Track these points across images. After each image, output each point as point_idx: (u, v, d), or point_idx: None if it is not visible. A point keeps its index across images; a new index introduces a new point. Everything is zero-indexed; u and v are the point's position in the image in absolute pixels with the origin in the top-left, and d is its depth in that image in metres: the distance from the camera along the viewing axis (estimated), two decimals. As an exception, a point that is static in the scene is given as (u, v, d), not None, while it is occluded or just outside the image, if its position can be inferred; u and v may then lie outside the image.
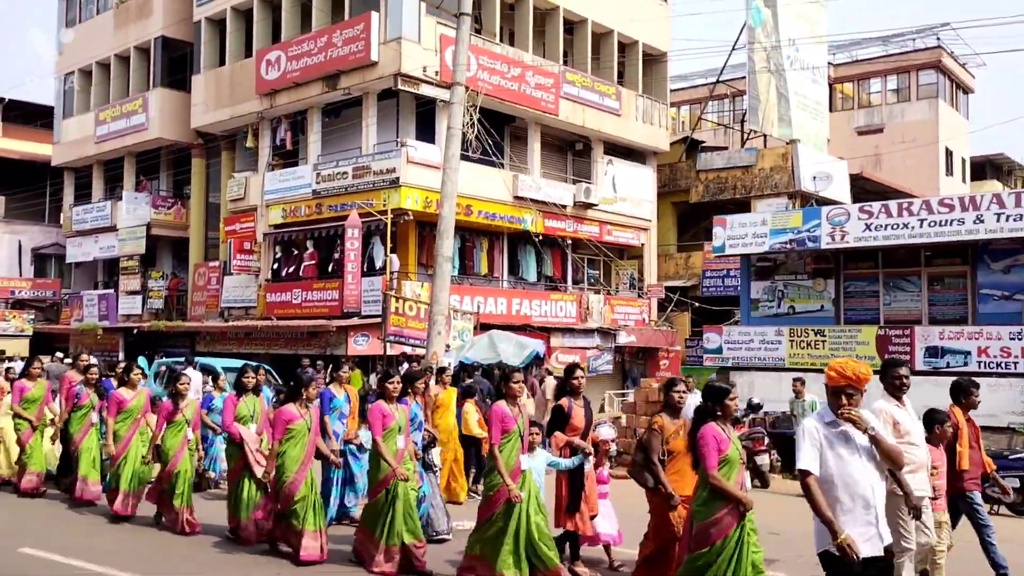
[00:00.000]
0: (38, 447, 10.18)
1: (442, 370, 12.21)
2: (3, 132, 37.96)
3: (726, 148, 30.08)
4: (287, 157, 22.92)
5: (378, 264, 19.99)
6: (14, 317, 26.73)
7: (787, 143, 26.30)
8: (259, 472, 7.87)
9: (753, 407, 14.37)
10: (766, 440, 12.99)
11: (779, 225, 18.08)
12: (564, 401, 7.08)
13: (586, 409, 7.17)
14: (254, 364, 10.23)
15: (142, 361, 20.01)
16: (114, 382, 10.22)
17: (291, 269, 22.03)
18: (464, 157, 17.07)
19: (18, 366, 19.18)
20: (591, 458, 7.13)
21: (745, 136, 27.92)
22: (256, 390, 9.00)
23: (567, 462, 6.85)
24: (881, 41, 36.87)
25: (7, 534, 8.23)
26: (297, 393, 7.65)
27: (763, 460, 12.89)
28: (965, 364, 15.67)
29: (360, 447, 9.08)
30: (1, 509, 9.66)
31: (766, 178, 25.88)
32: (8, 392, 11.19)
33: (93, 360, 12.82)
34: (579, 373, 7.15)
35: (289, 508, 7.34)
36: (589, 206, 23.49)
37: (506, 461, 6.42)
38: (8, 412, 10.69)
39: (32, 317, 27.53)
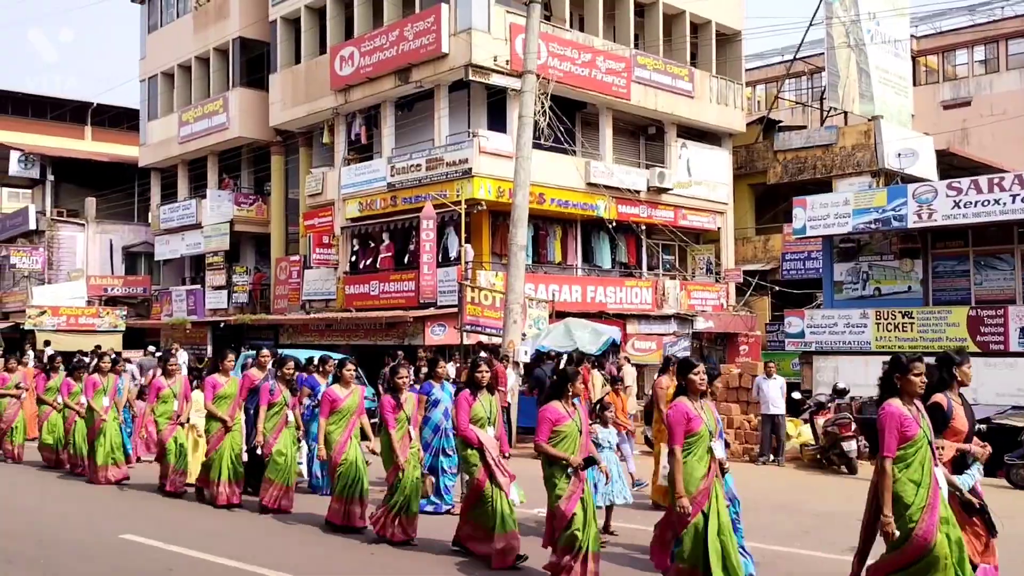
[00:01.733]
0: (227, 452, 9.34)
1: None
2: (92, 136, 39.71)
3: (805, 127, 29.27)
4: (362, 151, 23.28)
5: (452, 254, 20.16)
6: (108, 313, 27.86)
7: (869, 120, 25.45)
8: (502, 481, 6.99)
9: (839, 392, 14.00)
10: (853, 426, 12.64)
11: (863, 205, 17.53)
12: (942, 399, 5.76)
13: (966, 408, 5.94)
14: (338, 356, 10.41)
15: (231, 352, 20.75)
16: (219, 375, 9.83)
17: (368, 261, 22.41)
18: (536, 145, 17.09)
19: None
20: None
21: (825, 114, 27.13)
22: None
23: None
24: (967, 11, 35.29)
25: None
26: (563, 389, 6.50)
27: (850, 446, 12.57)
28: (1064, 345, 14.95)
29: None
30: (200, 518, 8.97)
31: (847, 156, 25.10)
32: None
33: (183, 354, 13.42)
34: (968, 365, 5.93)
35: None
36: (663, 191, 23.20)
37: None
38: (200, 410, 10.21)
39: (124, 313, 28.63)
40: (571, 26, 21.83)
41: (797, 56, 28.14)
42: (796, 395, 15.81)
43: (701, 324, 23.23)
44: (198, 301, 26.89)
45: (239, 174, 28.31)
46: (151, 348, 22.67)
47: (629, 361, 15.75)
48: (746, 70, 28.00)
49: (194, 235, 27.73)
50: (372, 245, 22.49)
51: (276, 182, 26.46)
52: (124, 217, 32.63)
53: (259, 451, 9.08)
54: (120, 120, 39.00)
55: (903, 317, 17.26)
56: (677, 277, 24.26)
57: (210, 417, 9.52)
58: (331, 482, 8.42)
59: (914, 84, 31.89)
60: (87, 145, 38.12)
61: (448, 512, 8.86)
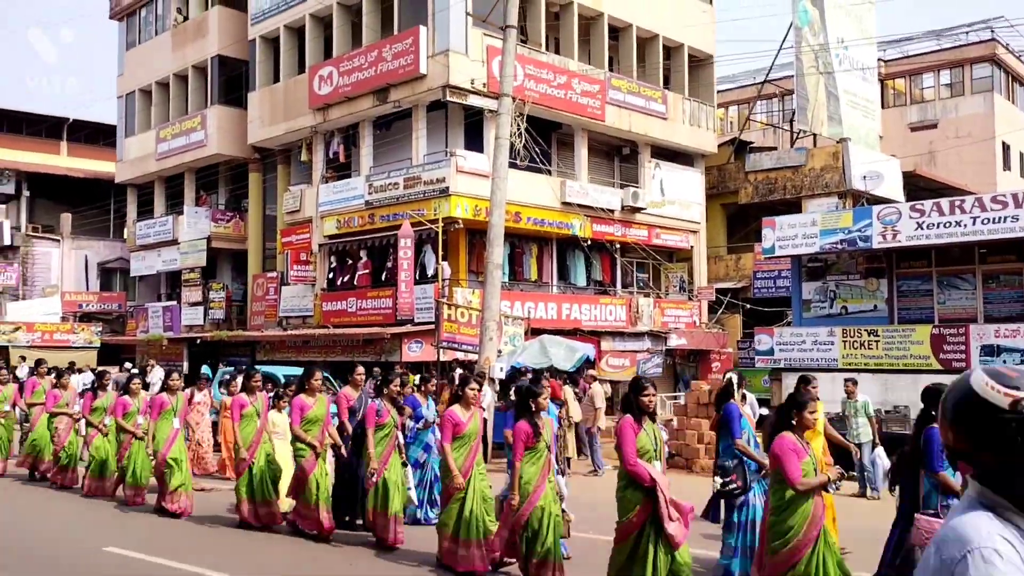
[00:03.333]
0: (323, 479, 8.66)
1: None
2: (68, 151, 39.55)
3: (775, 148, 29.90)
4: (340, 169, 23.51)
5: (430, 272, 20.40)
6: (83, 330, 27.77)
7: (837, 142, 26.09)
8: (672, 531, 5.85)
9: (760, 403, 14.36)
10: (818, 441, 12.97)
11: (829, 225, 17.98)
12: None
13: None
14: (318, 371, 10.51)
15: (206, 369, 20.82)
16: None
17: (346, 278, 22.60)
18: (512, 165, 17.39)
19: (84, 378, 20.07)
20: None
21: (794, 136, 27.75)
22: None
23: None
24: (934, 36, 36.26)
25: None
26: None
27: (816, 461, 12.89)
28: (1022, 362, 15.45)
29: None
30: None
31: (816, 178, 25.69)
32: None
33: (159, 370, 13.36)
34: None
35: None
36: (637, 210, 23.62)
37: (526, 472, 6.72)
38: (277, 432, 9.57)
39: (100, 329, 28.54)
40: (547, 48, 22.27)
41: (768, 79, 28.77)
42: (765, 411, 16.15)
43: (674, 341, 23.62)
44: (174, 317, 26.89)
45: (216, 191, 28.41)
46: (127, 364, 22.64)
47: (597, 379, 15.87)
48: (718, 92, 28.59)
49: (170, 251, 27.76)
50: (350, 262, 22.69)
51: (254, 199, 26.60)
52: (100, 233, 32.56)
53: (373, 479, 8.23)
54: (96, 136, 38.91)
55: (869, 335, 17.71)
56: (651, 295, 24.66)
57: (297, 442, 8.64)
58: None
59: (882, 106, 32.69)
60: (63, 161, 37.96)
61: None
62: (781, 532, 5.46)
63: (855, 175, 25.16)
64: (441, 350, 16.75)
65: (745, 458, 7.19)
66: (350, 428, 9.23)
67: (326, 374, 18.85)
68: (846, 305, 19.01)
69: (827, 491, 5.82)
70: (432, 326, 19.02)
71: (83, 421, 12.33)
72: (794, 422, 5.64)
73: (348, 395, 9.49)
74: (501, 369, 15.43)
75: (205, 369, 20.89)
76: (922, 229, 16.66)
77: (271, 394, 10.92)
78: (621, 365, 22.00)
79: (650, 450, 5.87)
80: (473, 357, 16.74)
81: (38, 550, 8.24)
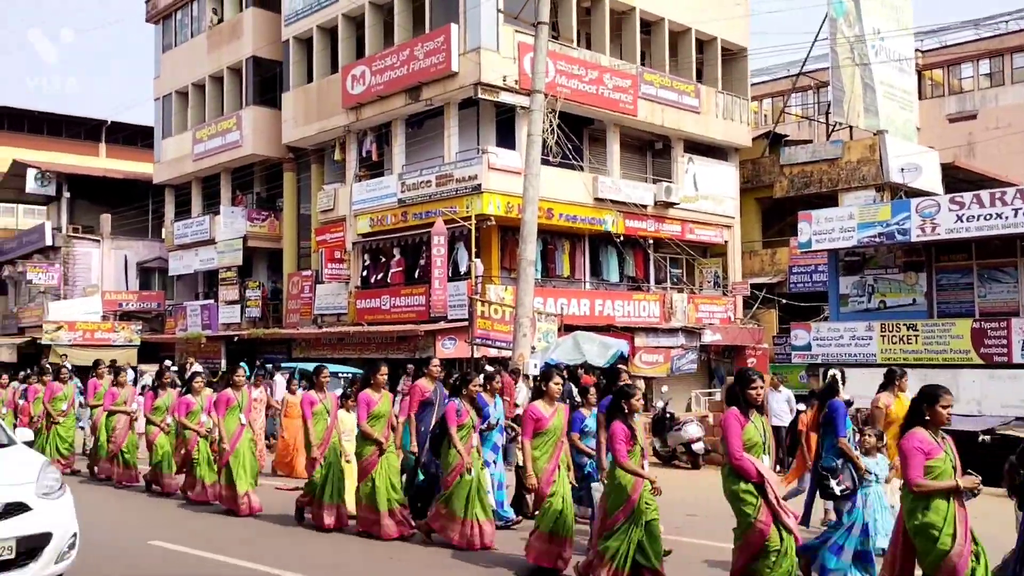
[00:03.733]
0: (384, 479, 8.41)
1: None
2: (107, 153, 40.34)
3: (810, 141, 29.55)
4: (373, 168, 23.66)
5: (462, 269, 20.47)
6: (123, 328, 28.28)
7: (874, 134, 25.72)
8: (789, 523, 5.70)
9: (845, 403, 14.16)
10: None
11: (867, 219, 17.77)
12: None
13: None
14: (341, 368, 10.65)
15: (243, 367, 21.07)
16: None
17: (379, 276, 22.75)
18: (544, 161, 17.41)
19: (127, 376, 20.42)
20: None
21: (830, 128, 27.41)
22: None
23: None
24: (972, 25, 35.58)
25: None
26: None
27: (855, 457, 12.75)
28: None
29: None
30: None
31: (853, 171, 25.35)
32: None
33: (198, 367, 13.55)
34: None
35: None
36: (670, 205, 23.49)
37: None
38: (345, 431, 9.41)
39: (139, 328, 29.04)
40: (578, 44, 22.19)
41: (802, 71, 28.43)
42: (802, 407, 16.00)
43: (709, 337, 23.45)
44: (212, 316, 27.25)
45: (252, 191, 28.73)
46: (167, 362, 22.99)
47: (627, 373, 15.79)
48: (751, 84, 28.30)
49: (207, 251, 28.14)
50: (383, 260, 22.83)
51: (288, 198, 26.86)
52: (138, 233, 33.10)
53: (468, 475, 7.90)
54: (134, 138, 39.64)
55: (908, 330, 17.47)
56: (684, 290, 24.51)
57: (363, 438, 8.49)
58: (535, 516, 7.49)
59: (919, 98, 32.14)
60: (101, 162, 38.74)
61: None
62: (926, 536, 5.13)
63: (893, 168, 24.79)
64: (475, 347, 16.79)
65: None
66: (415, 423, 9.00)
67: (359, 371, 19.05)
68: (884, 299, 18.77)
69: (960, 498, 5.23)
70: (465, 323, 19.07)
71: (142, 420, 12.48)
72: (927, 417, 5.32)
73: (424, 388, 9.19)
74: (535, 365, 15.45)
75: (243, 366, 21.17)
76: (962, 222, 16.40)
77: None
78: (655, 361, 21.90)
79: (758, 443, 5.64)
80: (507, 353, 16.79)
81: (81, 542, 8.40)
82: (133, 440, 12.44)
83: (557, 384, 7.25)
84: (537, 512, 7.42)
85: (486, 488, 8.21)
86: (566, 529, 6.98)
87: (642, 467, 6.50)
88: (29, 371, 17.76)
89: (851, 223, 18.05)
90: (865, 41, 26.37)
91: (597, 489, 7.33)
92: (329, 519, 8.75)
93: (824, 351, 18.55)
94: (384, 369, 8.68)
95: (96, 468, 12.96)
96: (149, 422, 11.73)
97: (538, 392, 7.42)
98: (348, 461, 9.00)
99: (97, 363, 14.40)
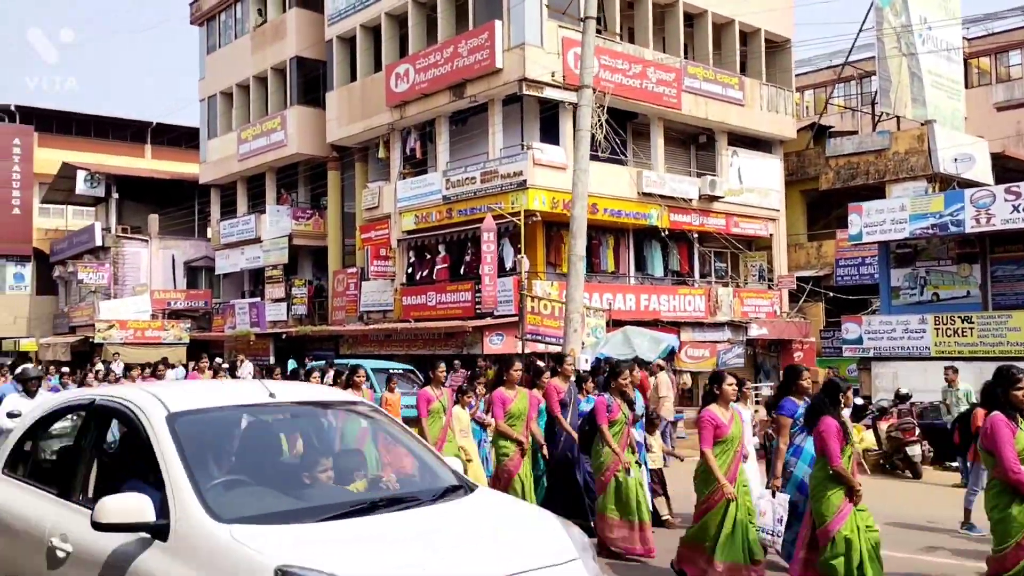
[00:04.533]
0: (528, 480, 8.07)
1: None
2: (152, 154, 41.03)
3: (855, 132, 29.17)
4: (417, 165, 23.81)
5: (508, 265, 20.53)
6: (173, 327, 28.78)
7: (922, 124, 25.32)
8: None
9: (901, 397, 14.04)
10: (917, 431, 12.71)
11: (919, 210, 17.53)
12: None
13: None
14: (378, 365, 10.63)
15: (291, 364, 21.38)
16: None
17: (424, 273, 22.91)
18: (592, 156, 17.37)
19: (177, 373, 20.79)
20: None
21: (876, 119, 27.02)
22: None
23: None
24: (1020, 12, 34.79)
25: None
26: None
27: (914, 450, 12.64)
28: None
29: None
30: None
31: (901, 161, 24.98)
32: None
33: (249, 365, 13.56)
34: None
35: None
36: (715, 199, 23.35)
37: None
38: (463, 429, 9.00)
39: (188, 326, 29.52)
40: (621, 38, 22.13)
41: (847, 62, 28.05)
42: (858, 401, 15.86)
43: (755, 331, 23.30)
44: (260, 313, 27.62)
45: (296, 189, 29.05)
46: (217, 360, 23.37)
47: (663, 368, 15.56)
48: (795, 75, 27.99)
49: (253, 249, 28.52)
50: (428, 257, 22.98)
51: (332, 197, 27.12)
52: (185, 233, 33.66)
53: (604, 476, 7.43)
54: (178, 139, 40.26)
55: (962, 322, 17.22)
56: (730, 284, 24.35)
57: (501, 439, 8.07)
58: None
59: (966, 86, 31.52)
60: (147, 164, 39.41)
61: None
62: (1001, 529, 4.92)
63: (942, 158, 24.39)
64: (524, 342, 16.85)
65: None
66: (566, 423, 8.43)
67: (411, 368, 19.22)
68: (937, 292, 18.50)
69: None
70: (512, 318, 19.15)
71: None
72: (1006, 400, 5.11)
73: (558, 387, 8.69)
74: (586, 360, 15.47)
75: (291, 364, 21.48)
76: (1018, 212, 16.12)
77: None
78: (701, 356, 21.79)
79: None
80: (556, 349, 16.83)
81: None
82: None
83: (731, 386, 6.54)
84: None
85: (644, 487, 7.68)
86: (739, 553, 6.18)
87: (738, 458, 6.31)
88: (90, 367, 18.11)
89: (903, 215, 17.82)
90: (912, 30, 25.95)
91: (780, 501, 6.57)
92: None
93: (876, 344, 18.35)
94: (518, 365, 8.20)
95: None
96: None
97: (710, 396, 6.70)
98: (469, 460, 8.56)
99: (200, 356, 14.22)
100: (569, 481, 8.33)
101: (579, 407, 8.77)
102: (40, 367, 21.40)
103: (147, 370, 16.39)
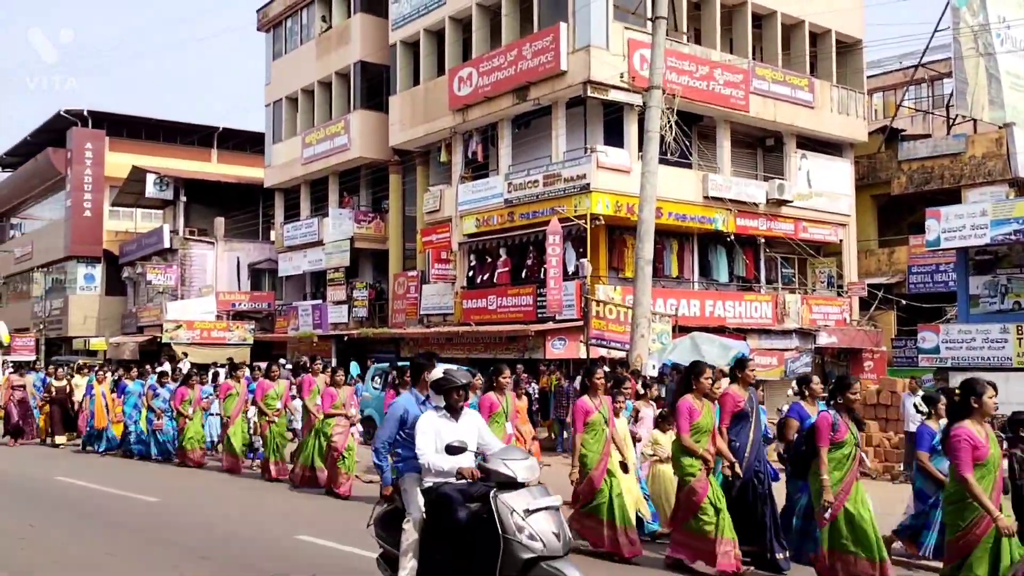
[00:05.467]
0: (722, 501, 7.17)
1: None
2: (218, 158, 41.87)
3: (928, 136, 28.29)
4: (478, 169, 23.78)
5: (570, 269, 20.33)
6: (238, 328, 29.24)
7: (1000, 127, 24.41)
8: None
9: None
10: (1004, 444, 12.13)
11: (1001, 215, 16.85)
12: None
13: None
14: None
15: (354, 366, 21.49)
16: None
17: (485, 276, 22.83)
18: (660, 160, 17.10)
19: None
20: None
21: (951, 122, 26.15)
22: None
23: None
24: (1105, 8, 33.35)
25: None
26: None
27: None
28: None
29: None
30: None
31: (978, 166, 24.12)
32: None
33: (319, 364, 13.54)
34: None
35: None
36: (783, 203, 22.82)
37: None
38: (660, 448, 8.66)
39: (252, 327, 29.96)
40: (688, 39, 21.79)
41: (921, 63, 27.23)
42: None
43: (824, 339, 22.68)
44: (323, 315, 27.88)
45: (358, 193, 29.27)
46: (281, 360, 23.62)
47: (725, 375, 15.16)
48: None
49: (316, 252, 28.81)
50: (489, 260, 22.91)
51: (394, 200, 27.26)
52: (249, 235, 34.23)
53: (827, 515, 6.41)
54: (243, 144, 41.00)
55: (1048, 332, 16.48)
56: (797, 291, 23.77)
57: (686, 457, 7.19)
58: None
59: (1046, 88, 30.28)
60: (212, 168, 40.23)
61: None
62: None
63: (1022, 162, 23.45)
64: (589, 347, 16.65)
65: None
66: (726, 437, 7.45)
67: (473, 371, 19.12)
68: (1019, 300, 17.77)
69: None
70: (575, 323, 18.96)
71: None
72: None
73: (735, 395, 7.59)
74: (653, 367, 15.22)
75: (354, 366, 21.60)
76: (1107, 218, 15.37)
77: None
78: (768, 364, 21.25)
79: None
80: (621, 354, 16.58)
81: (238, 539, 8.63)
82: (352, 446, 11.50)
83: (855, 394, 6.35)
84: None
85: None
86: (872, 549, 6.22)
87: (854, 464, 6.34)
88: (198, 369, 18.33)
89: (983, 220, 17.15)
90: (990, 29, 25.06)
91: None
92: (616, 543, 7.46)
93: (955, 354, 17.68)
94: (708, 372, 7.34)
95: (295, 471, 12.10)
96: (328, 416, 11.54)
97: (832, 402, 6.46)
98: (627, 473, 8.02)
99: (314, 358, 14.42)
100: (754, 504, 7.40)
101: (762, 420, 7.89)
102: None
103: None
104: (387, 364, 17.36)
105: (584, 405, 7.72)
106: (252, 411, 13.91)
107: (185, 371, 16.74)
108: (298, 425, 14.17)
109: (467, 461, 5.28)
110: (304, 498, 11.12)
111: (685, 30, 21.53)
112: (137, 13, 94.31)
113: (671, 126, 15.55)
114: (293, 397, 13.92)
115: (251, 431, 13.94)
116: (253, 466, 13.81)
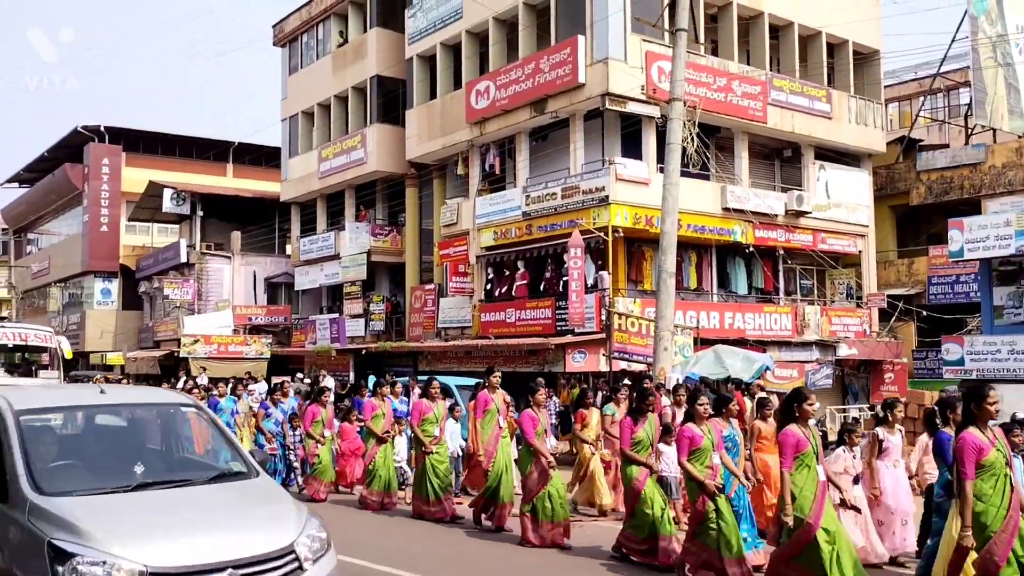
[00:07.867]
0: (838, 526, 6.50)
1: (676, 388, 12.22)
2: (233, 173, 42.06)
3: (945, 146, 28.15)
4: (495, 182, 23.78)
5: (589, 282, 20.26)
6: (255, 341, 29.25)
7: (1020, 136, 24.28)
8: None
9: (1018, 421, 13.26)
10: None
11: (1026, 225, 16.73)
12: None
13: None
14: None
15: (372, 379, 21.43)
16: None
17: (503, 289, 22.78)
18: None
19: (260, 387, 21.07)
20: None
21: (970, 131, 26.02)
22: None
23: None
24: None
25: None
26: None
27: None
28: None
29: None
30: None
31: (998, 175, 23.97)
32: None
33: (330, 380, 13.38)
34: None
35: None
36: (801, 214, 22.72)
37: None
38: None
39: (269, 341, 29.99)
40: (705, 51, 21.77)
41: (939, 73, 27.14)
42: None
43: (844, 351, 22.49)
44: (340, 329, 27.87)
45: (375, 206, 29.32)
46: (299, 375, 23.64)
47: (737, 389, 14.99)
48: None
49: (332, 266, 28.84)
50: (507, 273, 22.86)
51: (410, 213, 27.28)
52: (266, 249, 34.30)
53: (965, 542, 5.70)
54: (259, 159, 41.18)
55: (1076, 343, 16.31)
56: (816, 302, 23.62)
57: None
58: None
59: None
60: (228, 182, 40.41)
61: None
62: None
63: (1042, 171, 23.31)
64: (611, 360, 16.56)
65: None
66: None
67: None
68: (1044, 311, 17.61)
69: None
70: (595, 336, 18.89)
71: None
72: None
73: (795, 433, 6.71)
74: (676, 380, 15.10)
75: (371, 380, 21.54)
76: None
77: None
78: (789, 376, 21.08)
79: None
80: (641, 367, 16.50)
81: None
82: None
83: (900, 412, 6.60)
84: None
85: None
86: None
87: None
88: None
89: (1008, 230, 17.04)
90: (1008, 39, 24.96)
91: None
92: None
93: (979, 366, 17.52)
94: (812, 398, 6.69)
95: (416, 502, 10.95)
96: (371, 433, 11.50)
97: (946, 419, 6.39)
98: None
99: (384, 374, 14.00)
100: None
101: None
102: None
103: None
104: (406, 378, 17.29)
105: (690, 432, 7.41)
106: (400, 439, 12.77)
107: (314, 385, 15.77)
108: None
109: None
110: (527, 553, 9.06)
111: (703, 42, 21.50)
112: (165, 38, 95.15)
113: (692, 138, 15.48)
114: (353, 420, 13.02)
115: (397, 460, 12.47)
116: (405, 499, 11.81)
